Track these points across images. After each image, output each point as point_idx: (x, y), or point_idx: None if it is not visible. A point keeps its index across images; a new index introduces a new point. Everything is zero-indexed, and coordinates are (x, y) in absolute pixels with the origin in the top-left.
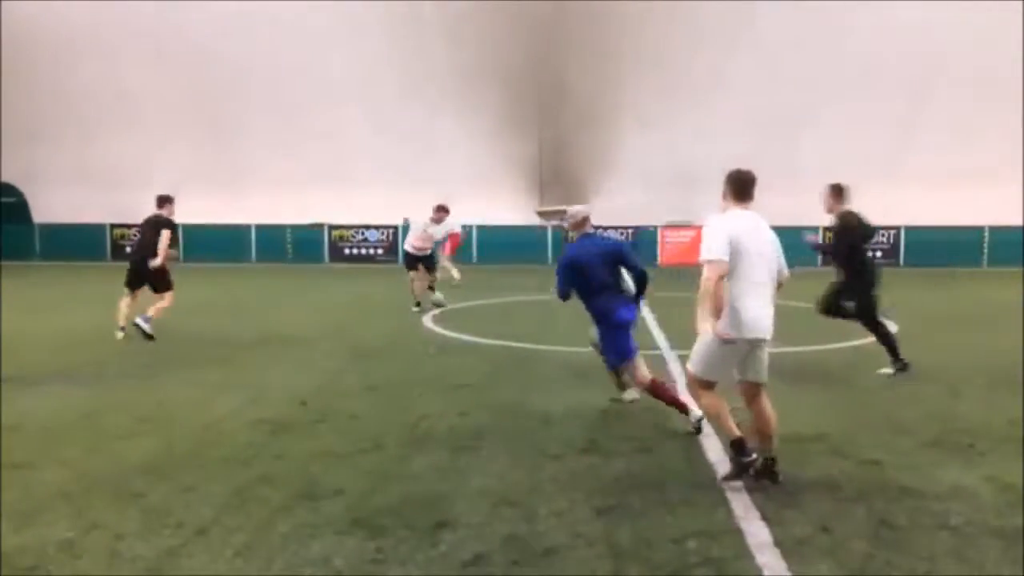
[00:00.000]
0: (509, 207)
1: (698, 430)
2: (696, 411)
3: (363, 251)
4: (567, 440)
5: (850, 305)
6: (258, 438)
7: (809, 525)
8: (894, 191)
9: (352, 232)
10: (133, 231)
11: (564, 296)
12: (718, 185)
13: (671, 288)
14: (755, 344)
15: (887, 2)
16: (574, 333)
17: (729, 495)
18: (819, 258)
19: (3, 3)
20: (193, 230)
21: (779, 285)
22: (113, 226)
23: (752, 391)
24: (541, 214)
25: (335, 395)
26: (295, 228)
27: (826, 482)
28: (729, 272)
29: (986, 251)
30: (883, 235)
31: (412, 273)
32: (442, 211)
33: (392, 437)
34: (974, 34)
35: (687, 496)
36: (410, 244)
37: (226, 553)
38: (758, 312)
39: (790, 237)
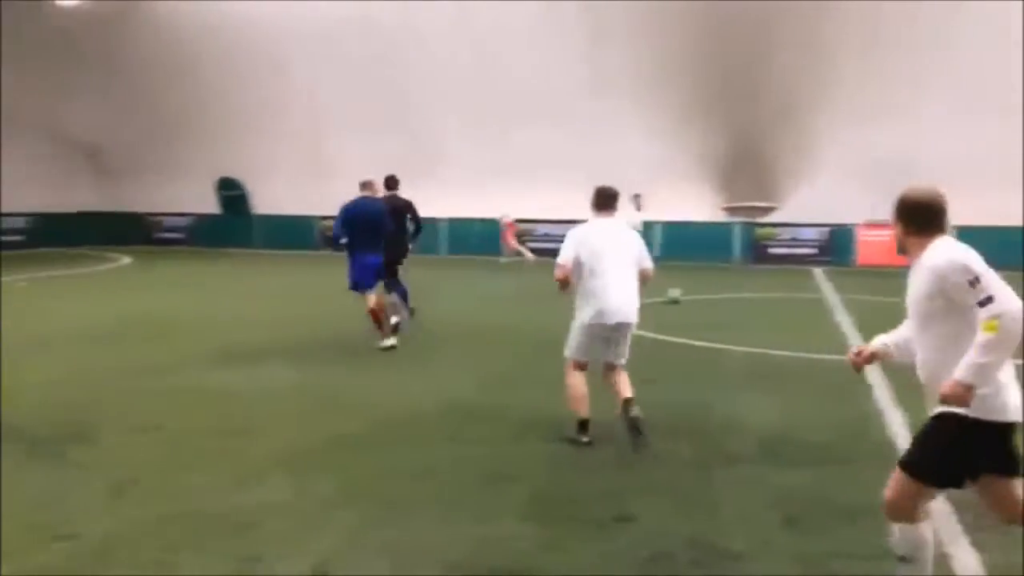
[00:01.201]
0: (694, 202)
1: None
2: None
3: (543, 245)
4: (751, 444)
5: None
6: (445, 421)
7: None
8: None
9: (533, 227)
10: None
11: (337, 239)
12: (925, 180)
13: (869, 291)
14: (616, 329)
15: None
16: (764, 334)
17: (934, 517)
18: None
19: (226, 5)
20: None
21: (644, 278)
22: (322, 218)
23: (609, 368)
24: (728, 210)
25: (517, 384)
26: (481, 222)
27: None
28: (585, 270)
29: None
30: None
31: None
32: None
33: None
34: None
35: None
36: None
37: (415, 528)
38: (614, 301)
39: (1006, 236)
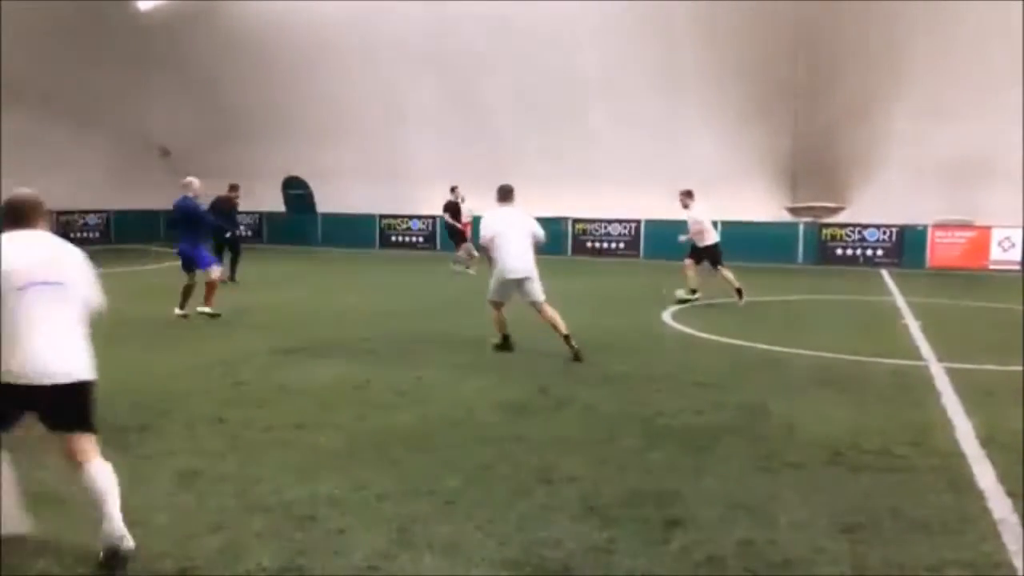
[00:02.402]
0: (758, 202)
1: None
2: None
3: (606, 244)
4: (810, 449)
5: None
6: (501, 419)
7: None
8: None
9: (597, 226)
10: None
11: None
12: (1002, 181)
13: (939, 294)
14: (519, 282)
15: None
16: (823, 337)
17: (1001, 527)
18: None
19: (295, 7)
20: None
21: (538, 244)
22: (382, 216)
23: (537, 307)
24: (793, 210)
25: (573, 384)
26: (542, 221)
27: None
28: (495, 242)
29: None
30: None
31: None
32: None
33: (627, 429)
34: None
35: (948, 523)
36: None
37: (469, 526)
38: (514, 263)
39: None
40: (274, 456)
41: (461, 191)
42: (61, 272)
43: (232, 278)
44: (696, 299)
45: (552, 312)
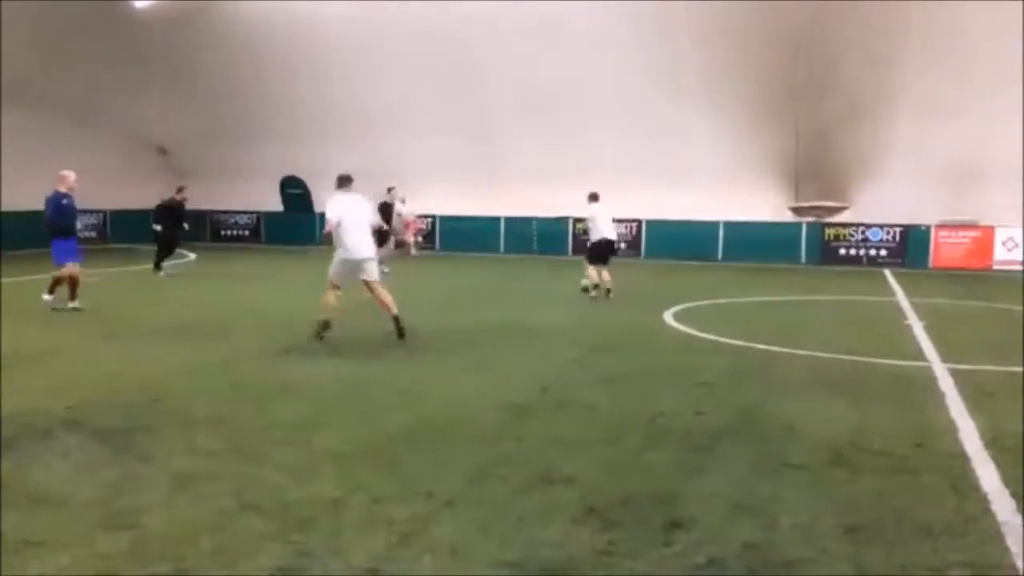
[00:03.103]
0: (761, 203)
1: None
2: (74, 304)
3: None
4: (812, 450)
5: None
6: (501, 419)
7: None
8: None
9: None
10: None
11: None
12: (1006, 180)
13: (942, 294)
14: (361, 261)
15: None
16: (825, 337)
17: (1004, 529)
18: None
19: (292, 8)
20: (450, 220)
21: (377, 230)
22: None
23: (370, 286)
24: (796, 210)
25: (574, 384)
26: (541, 221)
27: None
28: (340, 226)
29: None
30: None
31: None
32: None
33: (628, 430)
34: None
35: (951, 525)
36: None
37: (469, 527)
38: (358, 245)
39: None
40: (273, 456)
41: (399, 192)
42: None
43: (156, 266)
44: (595, 294)
45: (384, 293)
